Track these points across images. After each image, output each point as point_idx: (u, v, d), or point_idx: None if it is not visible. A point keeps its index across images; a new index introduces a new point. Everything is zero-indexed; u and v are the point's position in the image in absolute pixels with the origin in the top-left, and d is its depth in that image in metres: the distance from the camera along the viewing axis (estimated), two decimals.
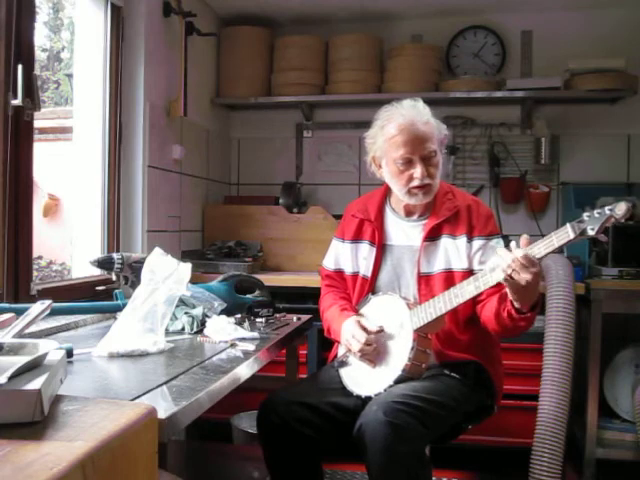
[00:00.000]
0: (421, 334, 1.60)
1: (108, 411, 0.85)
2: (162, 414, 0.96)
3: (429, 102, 1.76)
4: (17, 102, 1.75)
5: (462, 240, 1.72)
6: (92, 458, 0.71)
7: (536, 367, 2.29)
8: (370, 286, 1.79)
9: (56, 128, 3.98)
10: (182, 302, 1.73)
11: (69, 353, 1.28)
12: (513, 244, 1.47)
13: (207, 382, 1.19)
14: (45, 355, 0.93)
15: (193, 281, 1.72)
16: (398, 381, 1.58)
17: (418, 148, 1.67)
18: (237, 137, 3.51)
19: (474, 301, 1.67)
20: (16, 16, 1.77)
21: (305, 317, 2.05)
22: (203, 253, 2.96)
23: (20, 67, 1.75)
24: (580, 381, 2.48)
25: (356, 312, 1.77)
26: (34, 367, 0.89)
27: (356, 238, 1.85)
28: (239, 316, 1.82)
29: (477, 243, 1.72)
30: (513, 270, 1.43)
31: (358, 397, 1.65)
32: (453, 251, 1.72)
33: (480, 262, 1.69)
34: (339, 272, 1.90)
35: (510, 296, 1.50)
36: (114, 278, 1.96)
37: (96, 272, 2.23)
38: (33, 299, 1.78)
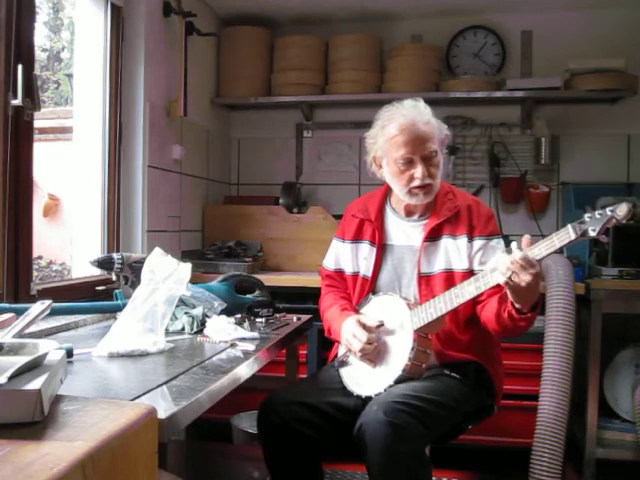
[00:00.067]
0: (421, 334, 1.60)
1: (108, 411, 0.85)
2: (162, 414, 0.96)
3: (429, 102, 1.76)
4: (17, 102, 1.75)
5: (463, 240, 1.72)
6: (92, 458, 0.71)
7: (536, 367, 2.29)
8: (370, 286, 1.79)
9: (56, 128, 3.99)
10: (182, 302, 1.73)
11: (69, 353, 1.28)
12: (514, 244, 1.47)
13: (207, 382, 1.19)
14: (45, 355, 0.93)
15: (193, 281, 1.72)
16: (398, 381, 1.57)
17: (419, 148, 1.67)
18: (237, 137, 3.51)
19: (474, 301, 1.67)
20: (16, 16, 1.77)
21: (305, 317, 2.05)
22: (203, 253, 2.95)
23: (20, 67, 1.75)
24: (580, 381, 2.48)
25: (356, 312, 1.77)
26: (34, 367, 0.89)
27: (356, 238, 1.85)
28: (239, 316, 1.82)
29: (478, 243, 1.72)
30: (513, 272, 1.43)
31: (358, 397, 1.64)
32: (454, 251, 1.72)
33: (481, 262, 1.69)
34: (339, 272, 1.89)
35: (510, 297, 1.50)
36: (114, 278, 1.96)
37: (96, 272, 2.23)
38: (33, 299, 1.78)
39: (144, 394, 1.09)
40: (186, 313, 1.72)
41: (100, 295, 2.18)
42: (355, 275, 1.83)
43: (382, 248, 1.80)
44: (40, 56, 4.61)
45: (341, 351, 1.79)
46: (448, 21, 3.22)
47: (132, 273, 1.81)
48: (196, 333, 1.67)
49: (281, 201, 3.12)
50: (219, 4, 3.15)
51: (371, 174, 1.83)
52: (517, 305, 1.51)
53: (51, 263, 4.10)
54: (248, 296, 2.05)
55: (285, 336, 1.75)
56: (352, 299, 1.84)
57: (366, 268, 1.80)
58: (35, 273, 2.65)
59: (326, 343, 2.15)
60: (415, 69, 3.06)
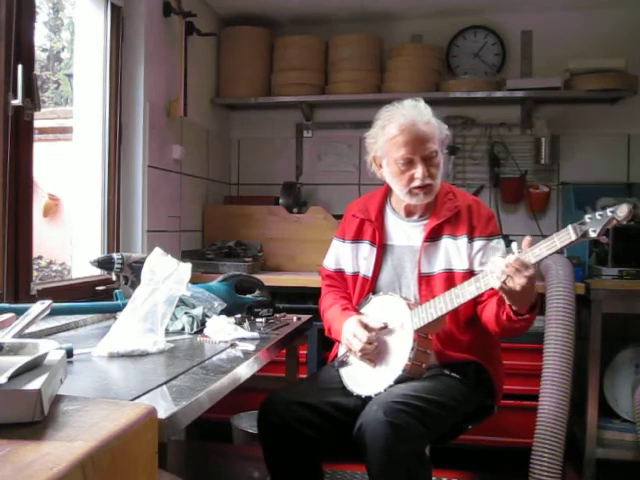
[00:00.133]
0: (421, 334, 1.60)
1: (108, 411, 0.85)
2: (162, 414, 0.96)
3: (429, 102, 1.76)
4: (17, 102, 1.75)
5: (463, 240, 1.72)
6: (92, 458, 0.71)
7: (536, 367, 2.30)
8: (371, 286, 1.79)
9: (56, 128, 3.99)
10: (182, 302, 1.73)
11: (69, 353, 1.28)
12: (514, 245, 1.48)
13: (207, 382, 1.19)
14: (45, 355, 0.93)
15: (193, 281, 1.72)
16: (398, 381, 1.57)
17: (419, 148, 1.67)
18: (237, 137, 3.51)
19: (475, 302, 1.67)
20: (16, 16, 1.77)
21: (305, 317, 2.05)
22: (203, 253, 2.95)
23: (20, 67, 1.75)
24: (580, 381, 2.48)
25: (357, 312, 1.77)
26: (34, 367, 0.89)
27: (356, 238, 1.85)
28: (239, 316, 1.82)
29: (478, 244, 1.72)
30: (507, 276, 1.43)
31: (358, 397, 1.64)
32: (454, 251, 1.72)
33: (481, 263, 1.69)
34: (339, 272, 1.89)
35: (507, 300, 1.50)
36: (114, 278, 1.96)
37: (96, 272, 2.23)
38: (33, 299, 1.78)
39: (144, 394, 1.09)
40: (186, 313, 1.72)
41: (100, 295, 2.18)
42: (355, 275, 1.83)
43: (382, 248, 1.80)
44: (40, 56, 4.61)
45: (341, 351, 1.79)
46: (448, 21, 3.22)
47: (132, 273, 1.81)
48: (196, 333, 1.67)
49: (281, 201, 3.12)
50: (219, 4, 3.15)
51: (371, 174, 1.82)
52: (514, 307, 1.51)
53: (51, 263, 4.10)
54: (248, 296, 2.05)
55: (285, 336, 1.75)
56: (352, 299, 1.84)
57: (366, 268, 1.80)
58: (35, 273, 2.65)
59: (326, 343, 2.15)
60: (415, 69, 3.06)
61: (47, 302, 1.34)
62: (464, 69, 3.20)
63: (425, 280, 1.72)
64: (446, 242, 1.73)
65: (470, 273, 1.67)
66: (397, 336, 1.64)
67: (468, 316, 1.71)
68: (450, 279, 1.69)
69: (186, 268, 1.54)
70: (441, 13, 3.19)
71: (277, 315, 1.99)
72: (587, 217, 1.39)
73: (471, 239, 1.72)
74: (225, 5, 3.16)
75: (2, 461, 0.67)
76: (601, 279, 2.52)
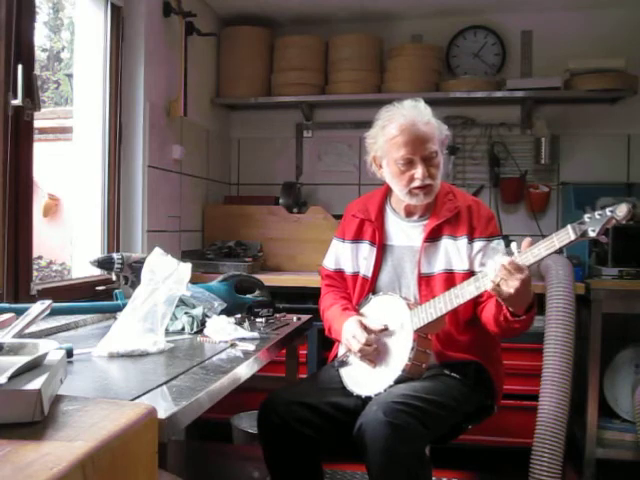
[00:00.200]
0: (421, 334, 1.60)
1: (108, 411, 0.85)
2: (162, 414, 0.96)
3: (429, 102, 1.76)
4: (17, 102, 1.75)
5: (463, 241, 1.72)
6: (92, 458, 0.71)
7: (536, 367, 2.30)
8: (370, 286, 1.79)
9: (56, 128, 3.99)
10: (182, 302, 1.73)
11: (69, 353, 1.28)
12: (514, 245, 1.48)
13: (207, 382, 1.19)
14: (45, 355, 0.93)
15: (193, 281, 1.72)
16: (398, 381, 1.57)
17: (419, 149, 1.67)
18: (237, 137, 3.51)
19: (475, 302, 1.67)
20: (16, 16, 1.77)
21: (305, 317, 2.05)
22: (203, 253, 2.95)
23: (20, 67, 1.75)
24: (580, 381, 2.48)
25: (357, 312, 1.77)
26: (34, 367, 0.89)
27: (356, 238, 1.84)
28: (239, 316, 1.82)
29: (478, 244, 1.72)
30: (501, 279, 1.43)
31: (358, 397, 1.64)
32: (454, 252, 1.72)
33: (481, 264, 1.69)
34: (339, 272, 1.89)
35: (502, 302, 1.50)
36: (114, 278, 1.96)
37: (96, 272, 2.23)
38: (33, 299, 1.78)
39: (144, 394, 1.09)
40: (186, 313, 1.72)
41: (100, 295, 2.18)
42: (355, 275, 1.83)
43: (382, 248, 1.80)
44: (40, 56, 4.61)
45: (341, 351, 1.79)
46: (448, 21, 3.22)
47: (132, 273, 1.81)
48: (196, 333, 1.67)
49: (281, 201, 3.12)
50: (219, 4, 3.15)
51: (371, 174, 1.82)
52: (511, 309, 1.51)
53: (51, 263, 4.10)
54: (248, 296, 2.05)
55: (285, 336, 1.75)
56: (352, 299, 1.84)
57: (366, 268, 1.80)
58: (35, 273, 2.65)
59: (326, 343, 2.15)
60: (415, 69, 3.06)
61: (47, 302, 1.34)
62: (464, 69, 3.20)
63: (425, 280, 1.72)
64: (446, 242, 1.73)
65: (470, 274, 1.67)
66: (397, 336, 1.64)
67: (468, 316, 1.71)
68: (450, 279, 1.69)
69: (186, 268, 1.54)
70: (441, 13, 3.19)
71: (277, 315, 1.99)
72: (586, 217, 1.39)
73: (471, 240, 1.72)
74: (225, 5, 3.16)
75: (2, 461, 0.67)
76: (601, 279, 2.52)
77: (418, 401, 1.49)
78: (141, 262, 1.59)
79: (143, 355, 1.39)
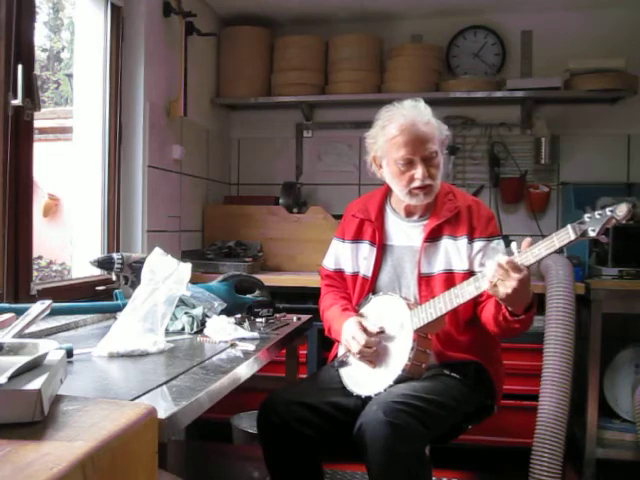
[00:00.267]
0: (421, 334, 1.60)
1: (108, 411, 0.85)
2: (162, 414, 0.96)
3: (429, 102, 1.76)
4: (17, 102, 1.75)
5: (463, 241, 1.72)
6: (92, 458, 0.71)
7: (536, 367, 2.30)
8: (370, 286, 1.79)
9: (56, 128, 3.99)
10: (182, 302, 1.73)
11: (69, 353, 1.28)
12: (514, 244, 1.48)
13: (207, 382, 1.19)
14: (45, 355, 0.93)
15: (193, 281, 1.72)
16: (398, 381, 1.57)
17: (419, 149, 1.67)
18: (237, 137, 3.51)
19: (475, 302, 1.67)
20: (16, 16, 1.77)
21: (305, 317, 2.05)
22: (203, 253, 2.95)
23: (20, 67, 1.75)
24: (580, 381, 2.48)
25: (357, 312, 1.77)
26: (34, 367, 0.89)
27: (356, 238, 1.84)
28: (239, 316, 1.82)
29: (478, 244, 1.72)
30: (498, 279, 1.43)
31: (358, 397, 1.64)
32: (454, 252, 1.72)
33: (481, 264, 1.69)
34: (339, 272, 1.89)
35: (500, 302, 1.50)
36: (114, 278, 1.96)
37: (96, 272, 2.23)
38: (33, 299, 1.78)
39: (144, 394, 1.09)
40: (186, 313, 1.72)
41: (100, 295, 2.18)
42: (355, 275, 1.83)
43: (382, 248, 1.80)
44: (40, 56, 4.61)
45: (341, 351, 1.79)
46: (448, 21, 3.22)
47: (132, 273, 1.81)
48: (196, 333, 1.67)
49: (281, 201, 3.12)
50: (219, 4, 3.15)
51: (371, 174, 1.82)
52: (510, 308, 1.51)
53: (51, 263, 4.10)
54: (248, 296, 2.05)
55: (285, 336, 1.75)
56: (352, 299, 1.84)
57: (366, 268, 1.80)
58: (35, 273, 2.65)
59: (326, 343, 2.15)
60: (415, 69, 3.06)
61: (47, 302, 1.34)
62: (464, 69, 3.20)
63: (425, 280, 1.72)
64: (446, 242, 1.73)
65: (470, 274, 1.67)
66: (397, 336, 1.64)
67: (467, 316, 1.71)
68: (450, 280, 1.69)
69: (186, 268, 1.54)
70: (441, 13, 3.19)
71: (277, 315, 1.99)
72: (586, 216, 1.39)
73: (471, 240, 1.72)
74: (225, 5, 3.16)
75: (2, 461, 0.67)
76: (601, 279, 2.52)
77: (418, 401, 1.49)
78: (141, 262, 1.59)
79: (143, 355, 1.39)
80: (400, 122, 1.67)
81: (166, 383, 1.18)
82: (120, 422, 0.80)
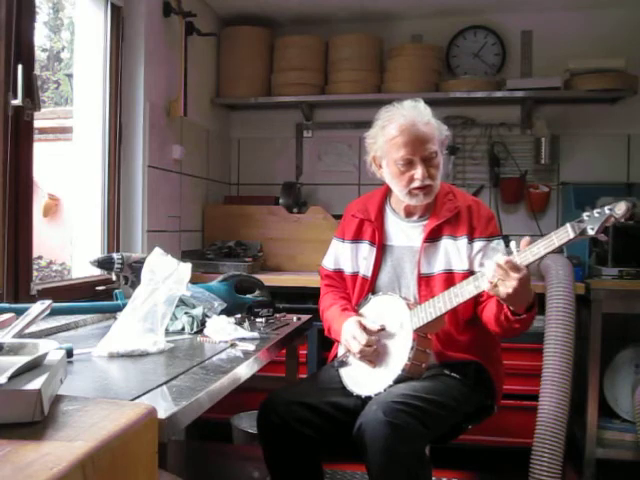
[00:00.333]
0: (421, 334, 1.60)
1: (108, 411, 0.85)
2: (162, 414, 0.96)
3: (429, 102, 1.76)
4: (17, 102, 1.75)
5: (463, 241, 1.72)
6: (92, 458, 0.71)
7: (536, 367, 2.30)
8: (370, 286, 1.79)
9: (56, 128, 3.99)
10: (182, 302, 1.74)
11: (69, 353, 1.28)
12: (513, 244, 1.48)
13: (207, 382, 1.19)
14: (45, 355, 0.93)
15: (193, 281, 1.72)
16: (398, 381, 1.57)
17: (419, 149, 1.67)
18: (237, 137, 3.51)
19: (475, 302, 1.67)
20: (16, 16, 1.77)
21: (305, 317, 2.05)
22: (203, 253, 2.95)
23: (20, 67, 1.75)
24: (580, 381, 2.48)
25: (356, 312, 1.77)
26: (34, 367, 0.89)
27: (356, 238, 1.84)
28: (239, 316, 1.82)
29: (478, 245, 1.72)
30: (498, 279, 1.42)
31: (358, 397, 1.64)
32: (454, 252, 1.72)
33: (481, 264, 1.69)
34: (339, 272, 1.89)
35: (502, 301, 1.50)
36: (114, 278, 1.96)
37: (96, 272, 2.23)
38: (33, 299, 1.78)
39: (144, 394, 1.09)
40: (186, 313, 1.72)
41: (100, 295, 2.18)
42: (355, 275, 1.83)
43: (382, 248, 1.80)
44: (40, 56, 4.61)
45: (341, 351, 1.79)
46: (448, 21, 3.22)
47: (132, 273, 1.81)
48: (196, 333, 1.67)
49: (281, 201, 3.12)
50: (219, 4, 3.15)
51: (371, 174, 1.82)
52: (512, 308, 1.51)
53: (51, 263, 4.10)
54: (248, 296, 2.05)
55: (285, 336, 1.75)
56: (351, 299, 1.84)
57: (366, 268, 1.80)
58: (35, 273, 2.65)
59: (326, 343, 2.15)
60: (415, 69, 3.06)
61: (47, 302, 1.34)
62: (464, 69, 3.20)
63: (425, 281, 1.72)
64: (446, 243, 1.73)
65: (470, 274, 1.67)
66: (396, 336, 1.64)
67: (467, 316, 1.71)
68: (450, 280, 1.68)
69: (186, 268, 1.54)
70: (441, 13, 3.19)
71: (277, 315, 1.99)
72: (585, 215, 1.39)
73: (471, 240, 1.72)
74: (225, 5, 3.16)
75: (2, 461, 0.67)
76: (601, 279, 2.52)
77: (418, 401, 1.49)
78: (141, 262, 1.59)
79: (143, 355, 1.39)
80: (400, 122, 1.67)
81: (166, 383, 1.18)
82: (120, 422, 0.80)
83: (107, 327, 1.49)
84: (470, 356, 1.70)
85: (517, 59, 3.19)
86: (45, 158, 2.86)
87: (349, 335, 1.66)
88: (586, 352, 2.49)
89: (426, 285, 1.72)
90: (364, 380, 1.66)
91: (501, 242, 1.75)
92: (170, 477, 1.08)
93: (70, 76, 4.31)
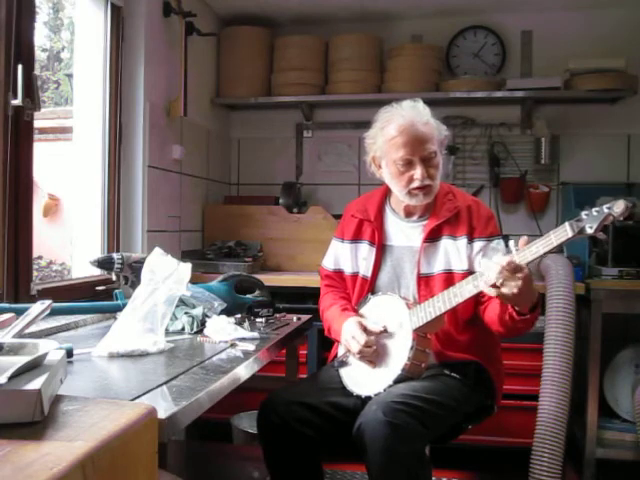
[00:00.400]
0: (420, 334, 1.60)
1: (108, 411, 0.85)
2: (162, 414, 0.96)
3: (429, 102, 1.76)
4: (17, 102, 1.75)
5: (463, 241, 1.72)
6: (92, 458, 0.71)
7: (536, 367, 2.30)
8: (370, 286, 1.79)
9: (56, 128, 3.99)
10: (182, 302, 1.74)
11: (69, 353, 1.28)
12: (512, 243, 1.47)
13: (207, 382, 1.19)
14: (45, 355, 0.93)
15: (193, 281, 1.72)
16: (398, 381, 1.57)
17: (418, 149, 1.67)
18: (237, 137, 3.51)
19: (475, 302, 1.67)
20: (16, 16, 1.77)
21: (305, 317, 2.05)
22: (203, 253, 2.96)
23: (20, 67, 1.75)
24: (580, 381, 2.48)
25: (356, 312, 1.77)
26: (34, 367, 0.89)
27: (356, 238, 1.84)
28: (239, 316, 1.82)
29: (478, 244, 1.72)
30: (503, 281, 1.42)
31: (358, 397, 1.64)
32: (453, 252, 1.72)
33: (479, 263, 1.69)
34: (338, 272, 1.89)
35: (507, 303, 1.50)
36: (114, 278, 1.96)
37: (96, 272, 2.23)
38: (33, 299, 1.78)
39: (144, 394, 1.09)
40: (186, 313, 1.72)
41: (100, 295, 2.18)
42: (354, 275, 1.83)
43: (381, 248, 1.80)
44: (40, 56, 4.61)
45: (341, 351, 1.79)
46: (448, 21, 3.22)
47: (132, 273, 1.81)
48: (196, 333, 1.67)
49: (281, 201, 3.12)
50: (219, 4, 3.15)
51: (370, 174, 1.82)
52: (517, 308, 1.51)
53: (51, 263, 4.10)
54: (248, 296, 2.05)
55: (285, 336, 1.75)
56: (351, 299, 1.84)
57: (365, 268, 1.80)
58: (35, 273, 2.65)
59: (326, 343, 2.15)
60: (415, 69, 3.07)
61: (47, 302, 1.34)
62: (464, 69, 3.20)
63: (424, 281, 1.72)
64: (445, 243, 1.73)
65: (469, 274, 1.66)
66: (396, 336, 1.64)
67: (467, 316, 1.71)
68: (449, 280, 1.68)
69: (186, 268, 1.54)
70: (441, 13, 3.19)
71: (277, 315, 1.99)
72: (584, 214, 1.38)
73: (471, 240, 1.72)
74: (225, 5, 3.16)
75: (2, 461, 0.67)
76: (601, 279, 2.52)
77: (418, 401, 1.49)
78: (141, 262, 1.59)
79: (143, 355, 1.39)
80: (399, 123, 1.67)
81: (166, 383, 1.18)
82: (120, 422, 0.80)
83: (107, 327, 1.49)
84: (470, 356, 1.70)
85: (517, 59, 3.19)
86: (45, 158, 2.86)
87: (349, 335, 1.66)
88: (586, 352, 2.49)
89: (426, 285, 1.72)
90: (364, 380, 1.66)
91: (501, 242, 1.75)
92: (170, 477, 1.08)
93: (70, 76, 4.31)
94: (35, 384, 0.81)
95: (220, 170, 3.39)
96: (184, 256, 2.75)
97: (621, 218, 1.36)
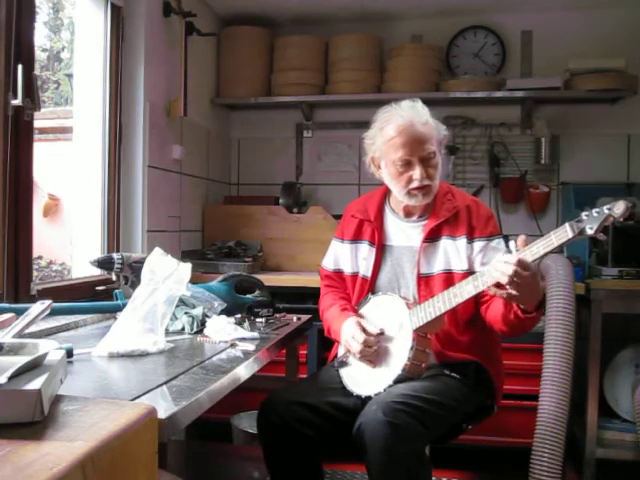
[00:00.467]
0: (420, 334, 1.60)
1: (108, 411, 0.85)
2: (162, 414, 0.96)
3: (429, 102, 1.76)
4: (17, 102, 1.76)
5: (462, 241, 1.71)
6: (92, 458, 0.71)
7: (536, 367, 2.30)
8: (370, 286, 1.79)
9: (56, 128, 3.99)
10: (182, 302, 1.74)
11: (69, 353, 1.28)
12: (512, 243, 1.47)
13: (207, 382, 1.19)
14: (45, 355, 0.93)
15: (193, 281, 1.72)
16: (398, 381, 1.57)
17: (417, 149, 1.66)
18: (237, 137, 3.51)
19: (476, 302, 1.67)
20: (16, 16, 1.77)
21: (305, 317, 2.05)
22: (203, 253, 2.96)
23: (20, 67, 1.75)
24: (580, 381, 2.48)
25: (356, 312, 1.77)
26: (34, 367, 0.89)
27: (356, 238, 1.84)
28: (239, 316, 1.82)
29: (478, 245, 1.71)
30: (514, 280, 1.41)
31: (358, 397, 1.64)
32: (453, 252, 1.72)
33: (482, 264, 1.68)
34: (338, 272, 1.89)
35: (513, 301, 1.49)
36: (114, 278, 1.96)
37: (96, 272, 2.23)
38: (33, 299, 1.78)
39: (144, 394, 1.09)
40: (186, 313, 1.72)
41: (100, 295, 2.18)
42: (354, 275, 1.83)
43: (381, 248, 1.80)
44: (40, 56, 4.61)
45: (341, 351, 1.79)
46: (448, 21, 3.22)
47: (132, 273, 1.81)
48: (196, 333, 1.67)
49: (281, 201, 3.12)
50: (219, 4, 3.15)
51: (370, 174, 1.82)
52: (522, 306, 1.50)
53: (51, 263, 4.10)
54: (248, 296, 2.05)
55: (285, 336, 1.75)
56: (351, 299, 1.84)
57: (365, 268, 1.80)
58: (35, 273, 2.65)
59: (326, 343, 2.15)
60: (415, 69, 3.07)
61: (47, 302, 1.34)
62: (464, 69, 3.20)
63: (424, 281, 1.72)
64: (445, 243, 1.73)
65: (469, 274, 1.66)
66: (396, 336, 1.64)
67: (467, 316, 1.71)
68: (449, 280, 1.68)
69: (186, 268, 1.54)
70: (441, 13, 3.19)
71: (277, 315, 1.99)
72: (584, 214, 1.38)
73: (471, 240, 1.72)
74: (225, 5, 3.16)
75: (2, 461, 0.67)
76: (601, 279, 2.52)
77: (418, 401, 1.49)
78: (141, 262, 1.59)
79: (143, 355, 1.39)
80: (398, 123, 1.67)
81: (166, 383, 1.18)
82: (120, 422, 0.80)
83: (107, 327, 1.49)
84: (470, 356, 1.70)
85: (517, 59, 3.19)
86: (45, 158, 2.86)
87: (349, 335, 1.66)
88: (586, 352, 2.49)
89: (425, 285, 1.72)
90: (364, 380, 1.66)
91: (501, 241, 1.75)
92: (170, 477, 1.08)
93: (70, 76, 4.31)
94: (35, 384, 0.81)
95: (220, 170, 3.39)
96: (184, 256, 2.75)
97: (621, 219, 1.36)
